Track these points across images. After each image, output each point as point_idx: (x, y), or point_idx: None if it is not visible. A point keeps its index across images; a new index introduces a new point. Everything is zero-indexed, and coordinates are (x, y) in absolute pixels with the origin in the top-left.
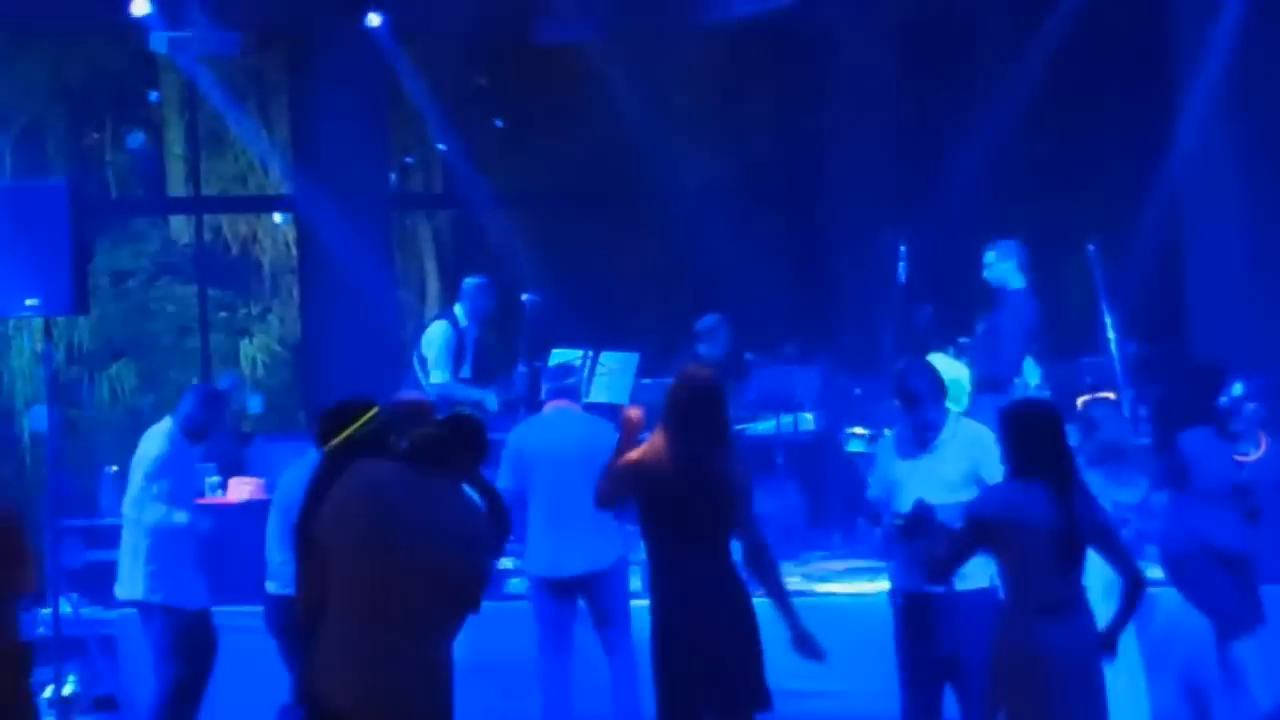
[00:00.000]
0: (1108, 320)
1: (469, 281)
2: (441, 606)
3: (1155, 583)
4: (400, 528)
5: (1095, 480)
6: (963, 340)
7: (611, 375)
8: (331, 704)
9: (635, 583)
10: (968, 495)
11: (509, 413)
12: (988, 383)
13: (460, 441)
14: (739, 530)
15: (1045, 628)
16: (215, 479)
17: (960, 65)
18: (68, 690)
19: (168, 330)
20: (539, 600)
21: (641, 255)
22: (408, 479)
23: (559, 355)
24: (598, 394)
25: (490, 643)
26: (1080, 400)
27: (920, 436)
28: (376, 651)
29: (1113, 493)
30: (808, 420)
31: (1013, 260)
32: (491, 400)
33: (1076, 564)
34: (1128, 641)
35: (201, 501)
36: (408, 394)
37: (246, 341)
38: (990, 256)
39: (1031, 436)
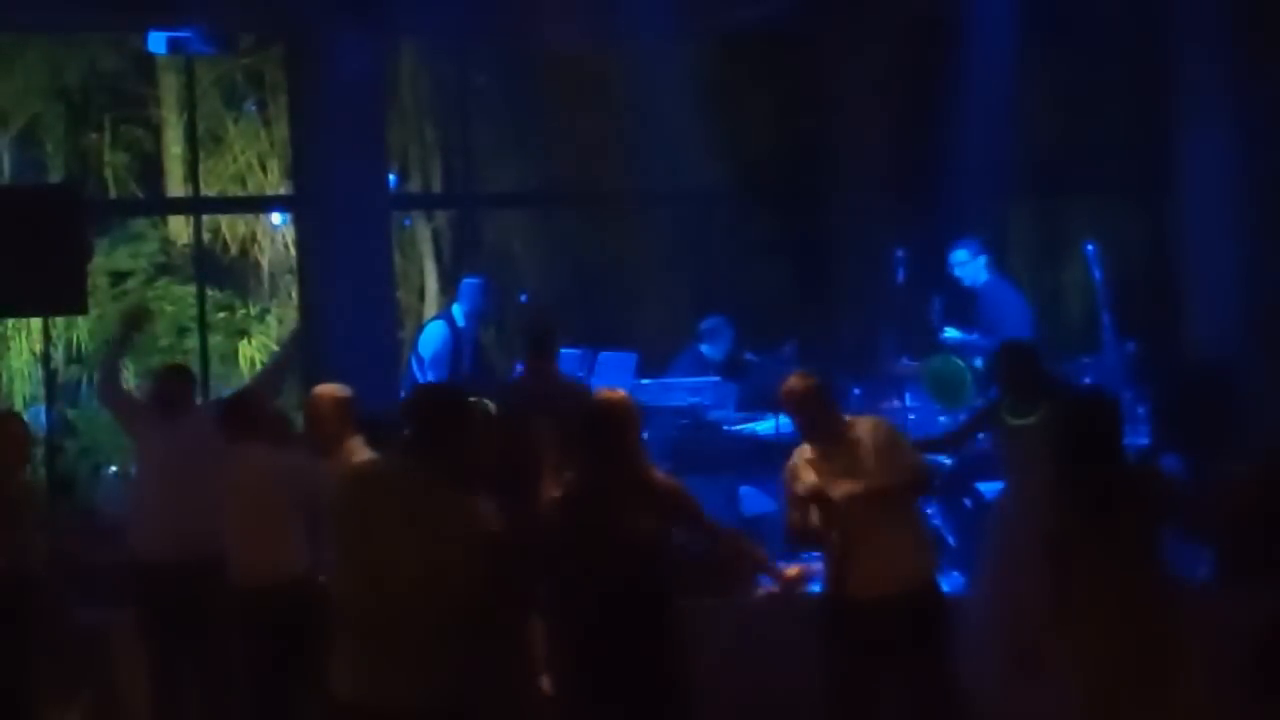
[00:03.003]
0: (1106, 320)
1: (467, 282)
2: (428, 610)
3: None
4: (377, 530)
5: None
6: (952, 333)
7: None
8: (339, 698)
9: None
10: None
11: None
12: None
13: (443, 420)
14: None
15: None
16: None
17: (958, 66)
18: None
19: (166, 331)
20: None
21: (641, 255)
22: (391, 478)
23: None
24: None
25: None
26: None
27: None
28: (368, 652)
29: None
30: None
31: (981, 257)
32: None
33: None
34: None
35: None
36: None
37: (245, 342)
38: (962, 255)
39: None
